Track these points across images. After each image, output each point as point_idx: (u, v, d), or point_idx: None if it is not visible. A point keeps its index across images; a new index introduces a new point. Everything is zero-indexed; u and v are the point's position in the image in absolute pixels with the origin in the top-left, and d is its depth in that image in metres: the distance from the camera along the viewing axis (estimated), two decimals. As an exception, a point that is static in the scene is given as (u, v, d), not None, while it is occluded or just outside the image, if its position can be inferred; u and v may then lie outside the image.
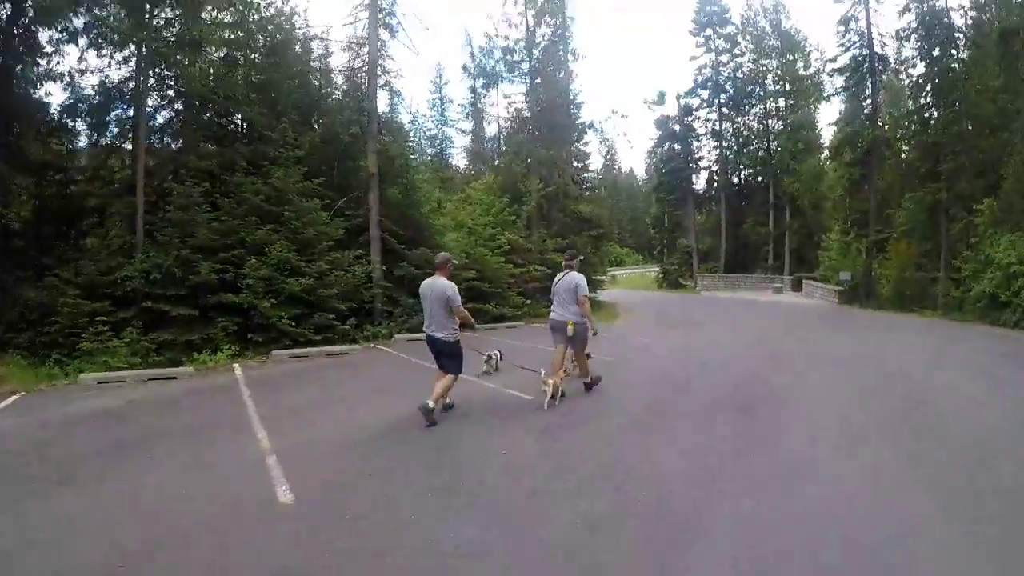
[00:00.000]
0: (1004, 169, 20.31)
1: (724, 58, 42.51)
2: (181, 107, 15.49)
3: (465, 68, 28.92)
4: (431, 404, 6.02)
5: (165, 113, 15.62)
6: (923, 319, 20.48)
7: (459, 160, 40.31)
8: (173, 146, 15.79)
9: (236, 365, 11.10)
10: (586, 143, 29.25)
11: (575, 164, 29.81)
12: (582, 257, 8.31)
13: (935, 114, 24.42)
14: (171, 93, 15.15)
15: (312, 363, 11.66)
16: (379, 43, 16.98)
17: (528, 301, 19.53)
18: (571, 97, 26.98)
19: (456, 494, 4.49)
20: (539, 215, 23.41)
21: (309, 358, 12.02)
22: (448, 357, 6.33)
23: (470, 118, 35.47)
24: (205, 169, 14.13)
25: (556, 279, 7.23)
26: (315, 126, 17.86)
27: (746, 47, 42.32)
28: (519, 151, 24.39)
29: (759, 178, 42.93)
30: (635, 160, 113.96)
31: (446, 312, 6.19)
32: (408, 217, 17.22)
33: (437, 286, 6.17)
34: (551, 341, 7.44)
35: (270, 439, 5.97)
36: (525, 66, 25.52)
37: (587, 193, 29.71)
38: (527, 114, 26.06)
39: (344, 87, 19.29)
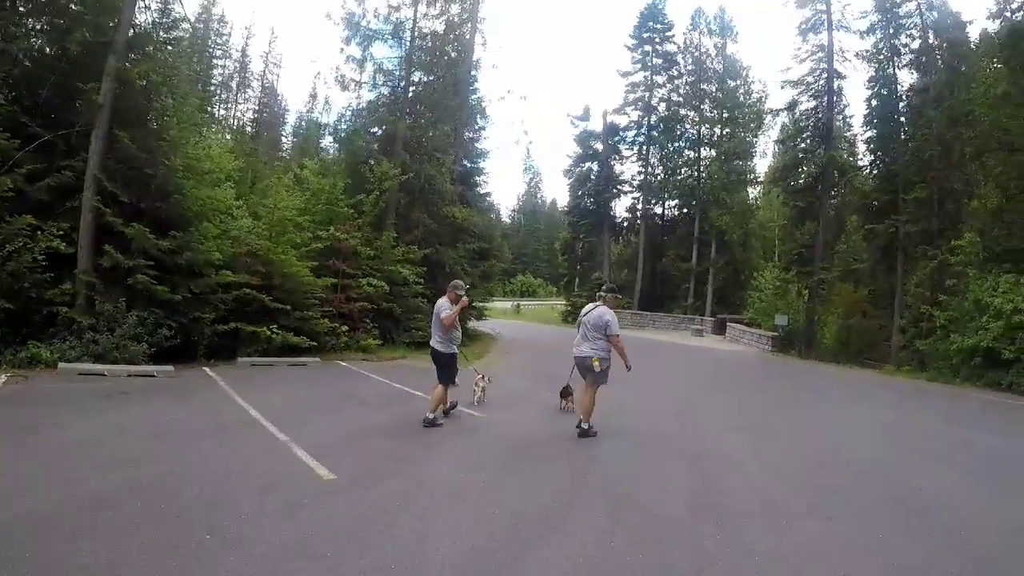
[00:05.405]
0: (976, 202, 16.74)
1: (660, 77, 38.49)
2: None
3: (329, 16, 20.16)
4: (430, 416, 6.55)
5: None
6: (898, 379, 15.69)
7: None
8: None
9: None
10: (484, 137, 23.18)
11: (466, 164, 23.72)
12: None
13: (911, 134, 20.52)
14: None
15: None
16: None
17: (345, 328, 12.87)
18: (469, 79, 20.82)
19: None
20: (396, 213, 16.72)
21: None
22: (444, 367, 6.74)
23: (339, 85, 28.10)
24: None
25: (584, 310, 6.65)
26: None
27: (685, 68, 38.52)
28: (371, 121, 17.48)
29: (685, 209, 38.59)
30: (559, 191, 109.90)
31: (445, 328, 6.72)
32: (152, 180, 10.60)
33: (438, 304, 6.82)
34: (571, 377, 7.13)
35: None
36: (409, 22, 18.53)
37: (481, 200, 23.63)
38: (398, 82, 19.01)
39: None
